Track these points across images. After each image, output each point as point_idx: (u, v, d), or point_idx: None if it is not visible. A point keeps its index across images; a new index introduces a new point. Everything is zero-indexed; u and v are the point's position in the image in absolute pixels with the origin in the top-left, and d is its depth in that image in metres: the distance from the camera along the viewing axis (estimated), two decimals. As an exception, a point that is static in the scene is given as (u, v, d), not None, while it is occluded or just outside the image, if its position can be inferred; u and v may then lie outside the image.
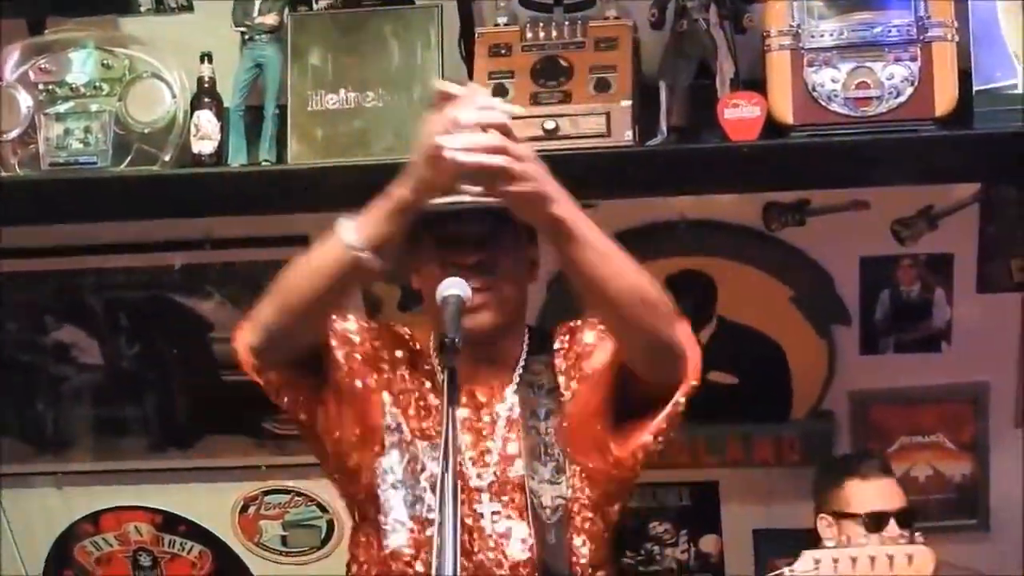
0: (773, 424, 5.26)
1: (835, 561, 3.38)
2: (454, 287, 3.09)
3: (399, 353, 3.46)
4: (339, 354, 3.37)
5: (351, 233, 3.03)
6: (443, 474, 2.87)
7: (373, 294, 5.09)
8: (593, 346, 3.43)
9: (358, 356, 3.40)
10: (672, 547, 5.44)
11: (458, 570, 2.81)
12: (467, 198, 3.14)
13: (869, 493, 4.66)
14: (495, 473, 3.28)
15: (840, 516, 4.67)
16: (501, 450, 3.31)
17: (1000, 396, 5.22)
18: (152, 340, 5.32)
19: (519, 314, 3.44)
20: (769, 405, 5.26)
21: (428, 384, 3.42)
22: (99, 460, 5.50)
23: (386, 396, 3.39)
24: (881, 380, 5.24)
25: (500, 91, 4.43)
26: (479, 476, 3.30)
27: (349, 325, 3.43)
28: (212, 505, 5.65)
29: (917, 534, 3.73)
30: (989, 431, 5.27)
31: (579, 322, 3.52)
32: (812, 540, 4.65)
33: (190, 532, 5.64)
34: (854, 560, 3.39)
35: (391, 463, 3.34)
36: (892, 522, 4.59)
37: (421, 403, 3.39)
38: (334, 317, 3.36)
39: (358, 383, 3.38)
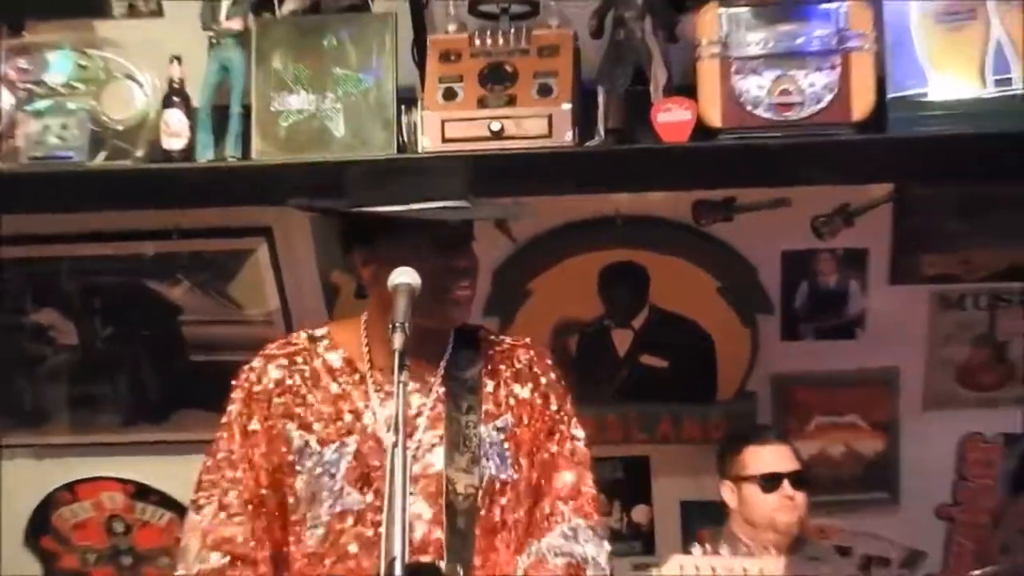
0: (700, 404, 5.24)
1: (696, 569, 3.36)
2: (405, 275, 3.16)
3: (298, 375, 3.47)
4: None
5: None
6: (393, 448, 2.90)
7: (332, 283, 5.07)
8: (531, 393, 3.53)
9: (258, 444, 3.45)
10: (606, 517, 5.39)
11: (406, 535, 2.82)
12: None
13: (764, 457, 4.66)
14: (412, 458, 3.26)
15: (739, 480, 4.67)
16: (422, 438, 3.33)
17: (909, 380, 5.23)
18: (125, 323, 5.26)
19: None
20: (697, 387, 5.24)
21: (332, 383, 3.44)
22: (75, 433, 5.44)
23: (291, 428, 3.41)
24: (800, 364, 5.24)
25: (450, 94, 4.43)
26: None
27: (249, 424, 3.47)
28: (182, 476, 5.45)
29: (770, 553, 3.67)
30: (899, 412, 5.28)
31: (514, 340, 3.64)
32: (728, 511, 4.73)
33: (161, 501, 5.57)
34: (713, 569, 3.36)
35: (301, 482, 3.39)
36: (786, 482, 4.61)
37: (328, 408, 3.42)
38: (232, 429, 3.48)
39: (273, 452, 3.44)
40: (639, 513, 5.46)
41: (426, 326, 3.17)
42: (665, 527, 5.43)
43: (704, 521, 5.11)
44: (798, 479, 4.63)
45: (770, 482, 4.60)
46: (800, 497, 4.61)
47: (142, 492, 5.54)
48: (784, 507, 4.58)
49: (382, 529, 3.12)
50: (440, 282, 3.26)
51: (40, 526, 5.61)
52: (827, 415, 5.28)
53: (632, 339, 5.18)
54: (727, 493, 4.70)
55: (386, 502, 2.89)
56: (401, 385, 2.97)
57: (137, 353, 5.30)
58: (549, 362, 3.60)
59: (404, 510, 2.84)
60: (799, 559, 4.59)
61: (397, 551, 2.80)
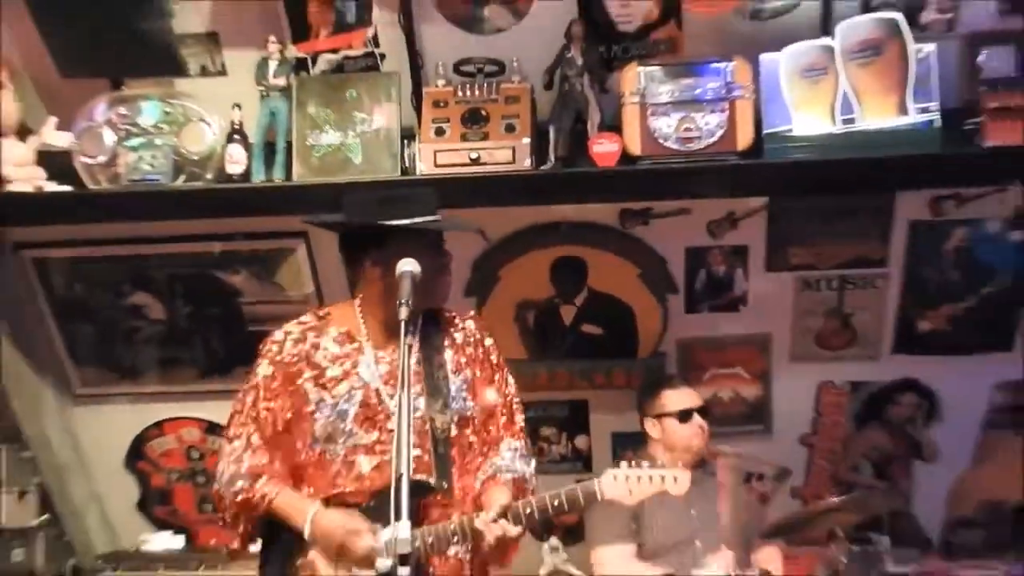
0: (625, 360, 5.19)
1: (627, 478, 3.33)
2: (409, 264, 3.22)
3: (310, 346, 3.48)
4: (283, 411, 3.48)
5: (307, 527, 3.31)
6: (400, 395, 2.96)
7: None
8: (486, 351, 3.62)
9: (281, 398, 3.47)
10: (556, 444, 5.40)
11: (411, 459, 2.91)
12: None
13: (677, 397, 4.68)
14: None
15: (660, 416, 4.67)
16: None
17: (779, 342, 5.20)
18: (199, 303, 5.24)
19: None
20: (623, 348, 5.20)
21: (337, 350, 3.46)
22: (162, 384, 5.42)
23: (309, 386, 3.44)
24: (699, 331, 5.21)
25: (440, 132, 4.45)
26: (393, 407, 3.36)
27: (272, 383, 3.49)
28: (241, 416, 5.58)
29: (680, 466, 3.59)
30: (772, 366, 5.25)
31: (462, 315, 3.66)
32: (647, 438, 4.72)
33: (227, 435, 5.53)
34: (639, 478, 3.33)
35: (319, 426, 3.41)
36: (696, 415, 4.64)
37: (336, 370, 3.44)
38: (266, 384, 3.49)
39: (298, 408, 3.46)
40: (580, 441, 5.41)
41: (415, 307, 3.19)
42: (600, 452, 5.39)
43: (628, 447, 5.05)
44: (703, 412, 4.66)
45: (685, 415, 4.61)
46: (706, 425, 4.64)
47: (212, 428, 5.48)
48: (696, 434, 4.61)
49: (388, 457, 3.21)
50: (430, 274, 3.29)
51: (136, 454, 5.57)
52: (718, 368, 5.25)
53: (575, 313, 5.15)
54: (651, 427, 4.69)
55: (395, 436, 2.94)
56: (406, 347, 3.02)
57: (208, 325, 5.26)
58: (487, 330, 3.66)
59: (408, 441, 2.91)
60: (701, 473, 4.59)
61: (404, 469, 2.87)
